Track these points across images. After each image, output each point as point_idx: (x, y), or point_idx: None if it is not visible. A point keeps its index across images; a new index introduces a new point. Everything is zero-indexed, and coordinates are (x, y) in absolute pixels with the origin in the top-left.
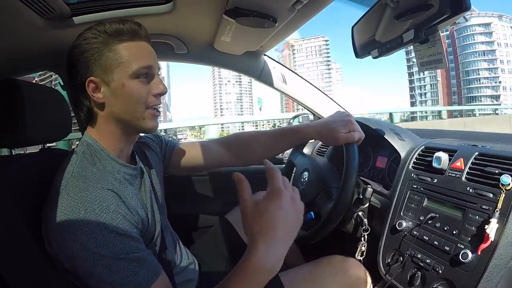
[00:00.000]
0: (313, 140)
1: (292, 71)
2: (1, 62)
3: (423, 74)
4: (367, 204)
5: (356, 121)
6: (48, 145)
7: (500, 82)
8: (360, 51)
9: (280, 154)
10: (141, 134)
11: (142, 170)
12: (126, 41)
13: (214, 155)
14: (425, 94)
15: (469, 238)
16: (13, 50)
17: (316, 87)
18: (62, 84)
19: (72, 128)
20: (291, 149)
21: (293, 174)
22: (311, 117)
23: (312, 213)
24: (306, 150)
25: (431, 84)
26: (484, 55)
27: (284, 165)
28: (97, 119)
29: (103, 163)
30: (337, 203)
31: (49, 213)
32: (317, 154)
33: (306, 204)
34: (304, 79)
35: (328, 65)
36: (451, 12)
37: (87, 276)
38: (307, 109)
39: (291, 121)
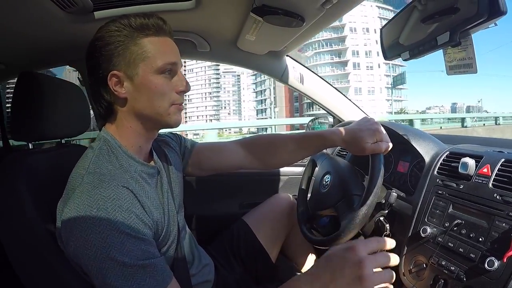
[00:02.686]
0: None
1: (312, 71)
2: (21, 55)
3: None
4: (388, 209)
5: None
6: None
7: (349, 81)
8: (389, 53)
9: None
10: (160, 132)
11: (159, 169)
12: (151, 36)
13: (235, 157)
14: (264, 101)
15: (495, 246)
16: (33, 43)
17: (336, 89)
18: (81, 79)
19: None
20: None
21: (313, 178)
22: (330, 119)
23: (324, 219)
24: (327, 150)
25: (269, 89)
26: (328, 45)
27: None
28: (118, 115)
29: (120, 161)
30: (357, 215)
31: (62, 208)
32: (337, 154)
33: (325, 208)
34: (324, 80)
35: (217, 69)
36: (488, 16)
37: (93, 275)
38: (326, 111)
39: (310, 123)
